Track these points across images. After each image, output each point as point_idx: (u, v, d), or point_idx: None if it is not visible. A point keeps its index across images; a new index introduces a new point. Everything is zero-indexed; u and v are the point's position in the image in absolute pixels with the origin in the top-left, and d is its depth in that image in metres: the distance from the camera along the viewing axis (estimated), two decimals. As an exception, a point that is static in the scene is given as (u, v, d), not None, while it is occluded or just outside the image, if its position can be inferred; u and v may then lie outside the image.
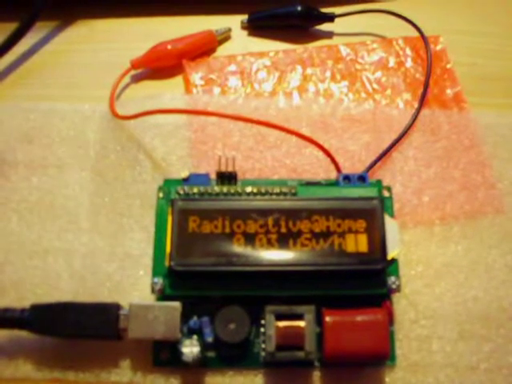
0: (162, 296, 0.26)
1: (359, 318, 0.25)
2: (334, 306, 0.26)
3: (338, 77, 0.34)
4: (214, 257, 0.25)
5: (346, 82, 0.33)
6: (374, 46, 0.35)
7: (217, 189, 0.27)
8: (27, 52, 0.34)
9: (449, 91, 0.33)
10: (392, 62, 0.34)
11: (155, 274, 0.26)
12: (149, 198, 0.29)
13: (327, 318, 0.25)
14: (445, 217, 0.29)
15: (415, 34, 0.34)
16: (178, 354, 0.25)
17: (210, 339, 0.26)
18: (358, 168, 0.30)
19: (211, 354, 0.26)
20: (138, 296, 0.27)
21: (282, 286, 0.26)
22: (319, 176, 0.30)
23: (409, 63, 0.34)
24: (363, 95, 0.33)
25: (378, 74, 0.34)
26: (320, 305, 0.26)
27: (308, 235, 0.26)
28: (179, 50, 0.33)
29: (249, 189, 0.27)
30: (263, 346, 0.26)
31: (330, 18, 0.35)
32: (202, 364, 0.26)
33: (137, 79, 0.34)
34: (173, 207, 0.26)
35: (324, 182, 0.28)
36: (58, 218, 0.29)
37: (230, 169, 0.28)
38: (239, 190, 0.27)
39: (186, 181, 0.28)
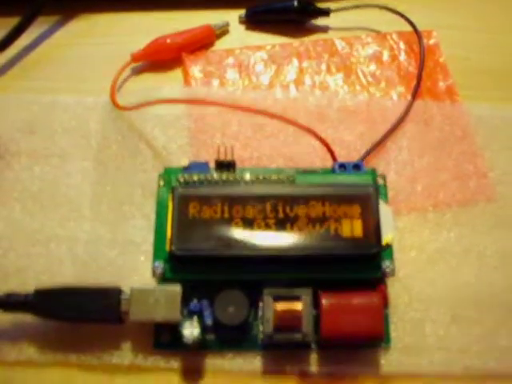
0: (163, 279, 0.27)
1: (355, 301, 0.26)
2: (331, 289, 0.26)
3: (334, 70, 0.34)
4: (213, 241, 0.26)
5: (341, 75, 0.34)
6: (369, 40, 0.35)
7: (216, 176, 0.28)
8: (30, 45, 0.35)
9: (441, 84, 0.34)
10: (386, 56, 0.35)
11: (156, 258, 0.27)
12: (150, 186, 0.29)
13: (324, 301, 0.26)
14: (438, 204, 0.30)
15: (409, 29, 0.35)
16: (179, 336, 0.26)
17: (209, 322, 0.27)
18: (353, 157, 0.31)
19: (211, 336, 0.27)
20: (139, 281, 0.28)
21: (280, 270, 0.26)
22: (315, 165, 0.30)
23: (402, 57, 0.35)
24: (358, 88, 0.34)
25: (373, 67, 0.34)
26: (317, 288, 0.27)
27: (305, 220, 0.26)
28: (178, 44, 0.34)
29: (247, 176, 0.28)
30: (261, 328, 0.27)
31: (326, 12, 0.36)
32: (202, 346, 0.27)
33: (137, 72, 0.34)
34: (173, 194, 0.27)
35: (320, 171, 0.29)
36: (60, 206, 0.30)
37: (228, 157, 0.29)
38: (238, 177, 0.28)
39: (186, 169, 0.28)
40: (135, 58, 0.34)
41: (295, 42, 0.35)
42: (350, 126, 0.32)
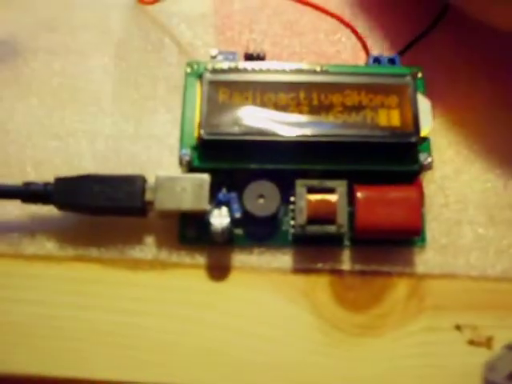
0: (190, 169, 0.25)
1: (391, 194, 0.25)
2: (366, 182, 0.25)
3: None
4: (243, 127, 0.25)
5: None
6: None
7: (246, 65, 0.27)
8: None
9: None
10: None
11: (183, 145, 0.25)
12: (175, 80, 0.28)
13: (359, 194, 0.25)
14: (476, 106, 0.29)
15: None
16: (206, 230, 0.25)
17: (238, 215, 0.25)
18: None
19: (239, 231, 0.26)
20: (164, 174, 0.27)
21: (314, 160, 0.25)
22: (348, 62, 0.29)
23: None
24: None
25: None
26: (351, 182, 0.25)
27: (340, 108, 0.25)
28: None
29: (279, 66, 0.27)
30: (293, 222, 0.25)
31: None
32: (230, 241, 0.26)
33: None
34: (202, 79, 0.25)
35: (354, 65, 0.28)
36: (80, 101, 0.28)
37: (258, 51, 0.27)
38: (269, 67, 0.27)
39: (214, 59, 0.27)
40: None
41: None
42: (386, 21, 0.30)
